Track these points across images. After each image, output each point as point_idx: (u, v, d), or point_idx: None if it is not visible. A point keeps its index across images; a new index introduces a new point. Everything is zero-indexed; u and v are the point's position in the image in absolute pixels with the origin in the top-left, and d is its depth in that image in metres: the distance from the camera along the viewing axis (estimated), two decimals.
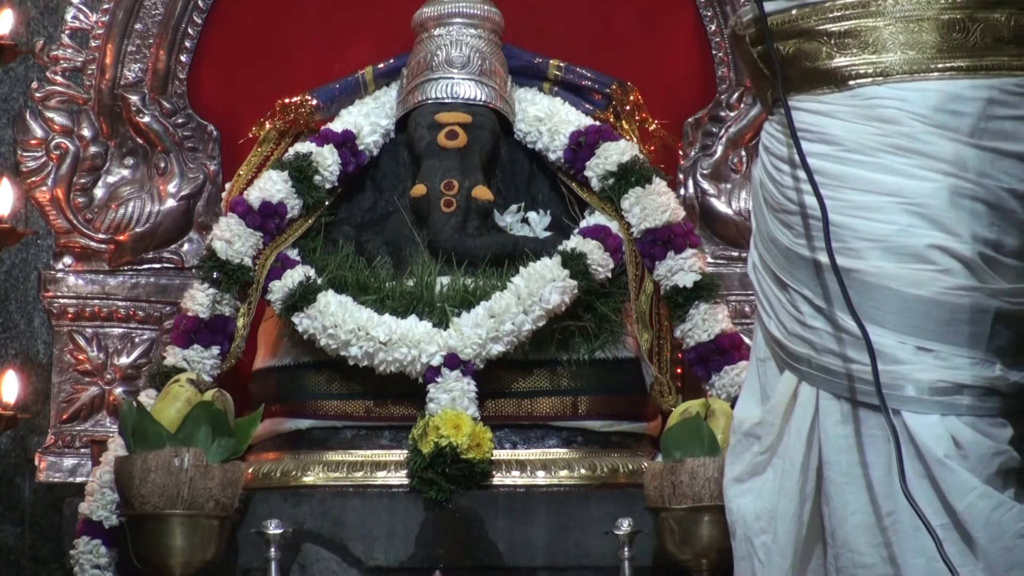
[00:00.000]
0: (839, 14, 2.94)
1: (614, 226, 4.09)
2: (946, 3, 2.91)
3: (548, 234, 4.19)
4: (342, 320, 3.90)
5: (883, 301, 2.87)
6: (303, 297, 3.96)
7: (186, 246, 4.47)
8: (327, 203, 4.21)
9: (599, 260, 4.00)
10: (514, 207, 4.22)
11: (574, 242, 4.02)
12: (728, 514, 3.07)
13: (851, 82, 2.93)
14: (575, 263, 3.96)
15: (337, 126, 4.26)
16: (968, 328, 2.87)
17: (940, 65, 2.90)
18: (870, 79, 2.92)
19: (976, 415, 2.86)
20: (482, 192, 4.13)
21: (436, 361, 3.87)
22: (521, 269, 3.96)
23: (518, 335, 3.91)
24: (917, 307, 2.86)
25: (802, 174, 2.93)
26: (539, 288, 3.91)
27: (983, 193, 2.89)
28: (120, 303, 4.42)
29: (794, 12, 2.97)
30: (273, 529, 3.64)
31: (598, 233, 4.05)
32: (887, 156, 2.89)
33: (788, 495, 2.95)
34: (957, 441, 2.83)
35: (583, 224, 4.13)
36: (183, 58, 4.52)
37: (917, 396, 2.85)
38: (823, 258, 2.91)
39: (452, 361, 3.87)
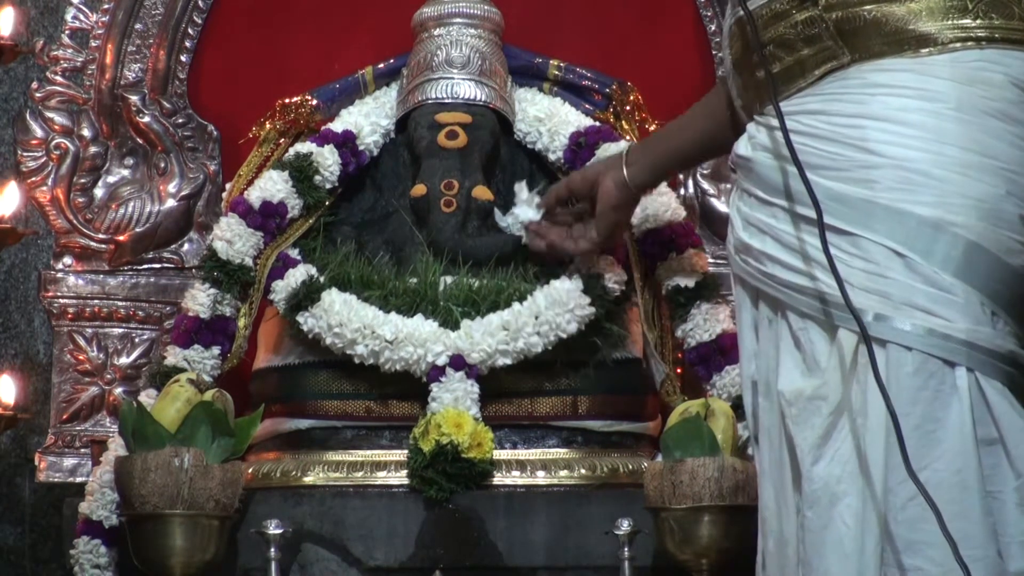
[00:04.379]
0: None
1: None
2: None
3: None
4: (347, 319, 3.90)
5: (977, 260, 2.87)
6: (307, 296, 3.96)
7: (186, 246, 4.48)
8: (327, 203, 4.21)
9: (614, 277, 3.99)
10: (525, 190, 4.20)
11: (588, 261, 4.00)
12: (808, 483, 2.95)
13: (952, 44, 2.93)
14: (594, 286, 3.94)
15: (337, 126, 4.26)
16: (1021, 306, 2.90)
17: None
18: (973, 42, 2.93)
19: (1013, 393, 2.88)
20: (482, 192, 4.13)
21: (441, 361, 3.87)
22: (542, 288, 3.93)
23: (527, 353, 3.91)
24: (1003, 274, 2.88)
25: (894, 127, 2.91)
26: (557, 315, 3.90)
27: None
28: (120, 303, 4.43)
29: None
30: (273, 529, 3.64)
31: None
32: (990, 120, 2.90)
33: (877, 452, 2.89)
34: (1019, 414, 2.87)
35: None
36: (183, 58, 4.52)
37: (992, 361, 2.85)
38: (916, 210, 2.89)
39: (457, 362, 3.87)
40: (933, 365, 2.87)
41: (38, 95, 4.44)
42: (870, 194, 2.93)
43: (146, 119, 4.45)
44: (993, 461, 2.84)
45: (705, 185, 4.46)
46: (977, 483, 2.82)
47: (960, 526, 2.81)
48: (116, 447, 3.88)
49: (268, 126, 4.30)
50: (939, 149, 2.90)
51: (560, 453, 3.98)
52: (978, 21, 2.94)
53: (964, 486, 2.83)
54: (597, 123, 4.25)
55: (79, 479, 4.21)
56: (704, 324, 4.02)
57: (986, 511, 2.81)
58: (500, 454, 3.90)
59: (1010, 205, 2.89)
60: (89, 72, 4.46)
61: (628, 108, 4.30)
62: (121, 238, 4.44)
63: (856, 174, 2.95)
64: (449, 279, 4.01)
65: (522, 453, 3.96)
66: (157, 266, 4.46)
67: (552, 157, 4.25)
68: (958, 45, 2.93)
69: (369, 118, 4.27)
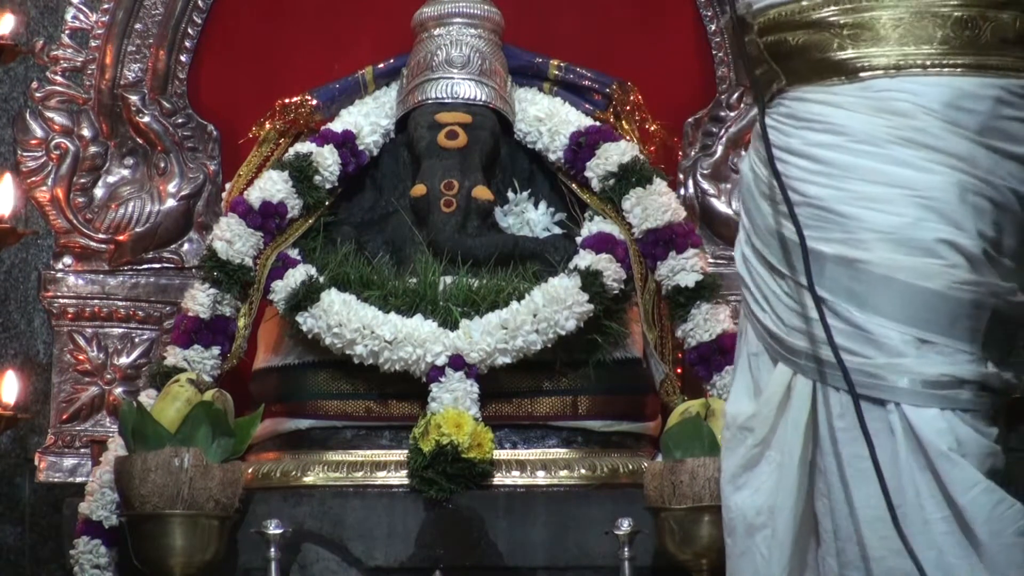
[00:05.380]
0: (851, 6, 2.94)
1: (615, 230, 4.09)
2: (959, 0, 2.92)
3: (548, 233, 4.20)
4: (347, 319, 3.90)
5: (890, 292, 2.86)
6: (307, 296, 3.96)
7: (186, 246, 4.47)
8: (327, 203, 4.21)
9: (613, 274, 3.99)
10: (524, 195, 4.21)
11: (588, 259, 4.00)
12: (726, 511, 3.06)
13: (862, 74, 2.93)
14: (592, 283, 3.94)
15: (337, 126, 4.26)
16: (968, 323, 2.87)
17: (951, 61, 2.91)
18: (882, 71, 2.92)
19: (972, 410, 2.86)
20: (482, 192, 4.13)
21: (441, 361, 3.87)
22: (540, 286, 3.95)
23: (527, 351, 3.91)
24: (924, 300, 2.86)
25: (806, 164, 2.93)
26: (556, 312, 3.90)
27: (990, 191, 2.89)
28: (120, 303, 4.42)
29: (804, 3, 2.97)
30: (273, 529, 3.64)
31: (606, 244, 4.04)
32: (897, 148, 2.89)
33: (787, 490, 2.95)
34: (957, 437, 2.83)
35: (585, 233, 4.12)
36: (183, 58, 4.52)
37: (918, 389, 2.84)
38: (827, 249, 2.90)
39: (456, 362, 3.87)
40: (860, 405, 2.86)
41: (38, 95, 4.44)
42: (793, 232, 2.94)
43: (146, 119, 4.45)
44: (931, 490, 2.82)
45: (705, 185, 4.45)
46: (918, 516, 2.81)
47: (899, 564, 2.82)
48: (116, 447, 3.88)
49: (268, 126, 4.30)
50: (843, 185, 2.90)
51: (560, 453, 3.98)
52: (889, 48, 2.92)
53: (905, 523, 2.81)
54: (597, 123, 4.25)
55: (79, 479, 4.21)
56: (704, 324, 4.02)
57: (930, 543, 2.80)
58: (500, 454, 3.90)
59: (923, 231, 2.86)
60: (89, 72, 4.46)
61: (628, 108, 4.30)
62: (121, 238, 4.44)
63: (784, 210, 2.96)
64: (449, 279, 4.01)
65: (522, 453, 3.96)
66: (157, 266, 4.46)
67: (552, 157, 4.24)
68: (866, 75, 2.93)
69: (369, 118, 4.28)
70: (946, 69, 2.91)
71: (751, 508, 3.00)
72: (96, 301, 4.41)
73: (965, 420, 2.85)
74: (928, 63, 2.91)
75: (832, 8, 2.95)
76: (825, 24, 2.95)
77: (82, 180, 4.44)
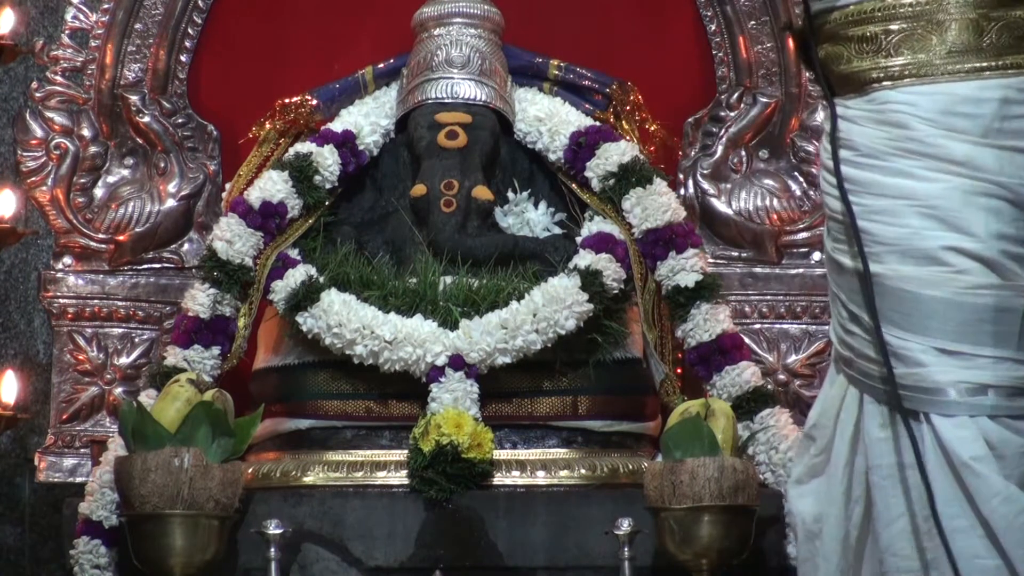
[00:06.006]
0: (858, 18, 2.95)
1: (615, 230, 4.09)
2: (959, 4, 2.91)
3: (548, 233, 4.20)
4: (346, 319, 3.90)
5: (903, 304, 2.88)
6: (306, 296, 3.96)
7: (186, 246, 4.48)
8: (327, 203, 4.21)
9: (613, 274, 4.00)
10: (524, 195, 4.22)
11: (588, 259, 4.01)
12: (789, 516, 3.11)
13: (866, 87, 2.95)
14: (592, 283, 3.95)
15: (337, 126, 4.26)
16: (992, 327, 2.86)
17: (949, 68, 2.91)
18: (883, 83, 2.93)
19: (1002, 415, 2.85)
20: (482, 192, 4.13)
21: (441, 361, 3.87)
22: (540, 286, 3.95)
23: (527, 351, 3.91)
24: (936, 309, 2.86)
25: (831, 178, 2.97)
26: (555, 312, 3.90)
27: (1002, 192, 2.88)
28: (120, 303, 4.43)
29: (835, 14, 2.99)
30: (273, 529, 3.64)
31: (605, 244, 4.04)
32: (898, 159, 2.90)
33: (832, 497, 2.97)
34: (989, 441, 2.83)
35: (585, 232, 4.12)
36: (183, 58, 4.52)
37: (941, 398, 2.85)
38: (848, 262, 2.92)
39: (456, 362, 3.87)
40: (897, 416, 2.88)
41: (38, 95, 4.44)
42: (831, 247, 3.00)
43: (146, 119, 4.46)
44: (959, 498, 2.84)
45: (705, 185, 4.46)
46: (948, 527, 2.82)
47: (936, 574, 2.84)
48: (116, 447, 3.88)
49: (268, 126, 4.30)
50: (855, 199, 2.93)
51: (560, 453, 3.97)
52: (890, 60, 2.94)
53: (934, 534, 2.84)
54: (597, 123, 4.25)
55: (79, 479, 4.21)
56: (704, 324, 4.02)
57: (959, 554, 2.81)
58: (500, 454, 3.90)
59: (926, 240, 2.88)
60: (89, 72, 4.46)
61: (628, 108, 4.30)
62: (121, 238, 4.44)
63: (828, 224, 3.02)
64: (449, 279, 4.01)
65: (522, 453, 3.95)
66: (157, 266, 4.47)
67: (552, 157, 4.24)
68: (869, 87, 2.95)
69: (369, 118, 4.28)
70: (943, 76, 2.91)
71: (810, 515, 3.04)
72: (96, 301, 4.41)
73: (1000, 423, 2.85)
74: (923, 72, 2.92)
75: (846, 21, 2.97)
76: (840, 37, 2.98)
77: (82, 180, 4.44)
